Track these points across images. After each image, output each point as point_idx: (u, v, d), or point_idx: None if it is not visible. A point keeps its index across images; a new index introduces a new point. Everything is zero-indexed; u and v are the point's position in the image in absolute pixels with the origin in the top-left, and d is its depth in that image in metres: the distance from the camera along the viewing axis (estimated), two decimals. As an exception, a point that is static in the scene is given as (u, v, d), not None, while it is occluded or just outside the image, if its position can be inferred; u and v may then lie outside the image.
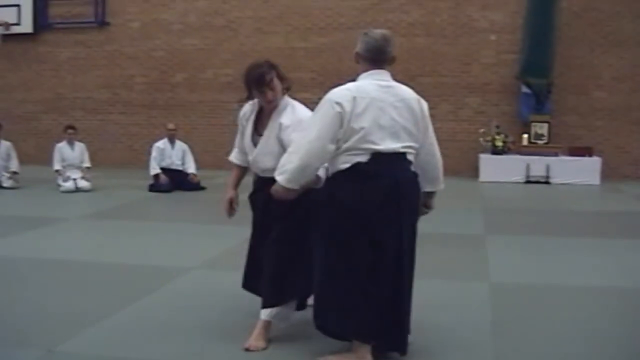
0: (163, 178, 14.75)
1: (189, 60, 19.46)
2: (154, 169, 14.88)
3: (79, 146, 15.23)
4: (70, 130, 15.22)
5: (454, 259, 8.41)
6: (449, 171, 17.15)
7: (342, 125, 4.87)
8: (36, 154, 19.18)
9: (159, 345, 5.40)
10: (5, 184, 15.03)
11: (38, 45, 20.62)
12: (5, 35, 20.47)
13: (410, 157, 5.05)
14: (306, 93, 17.66)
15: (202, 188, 14.83)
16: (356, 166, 4.90)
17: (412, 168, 5.10)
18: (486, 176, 16.99)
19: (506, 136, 17.22)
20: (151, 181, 14.90)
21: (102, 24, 20.15)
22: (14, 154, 15.45)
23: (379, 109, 4.91)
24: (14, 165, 15.36)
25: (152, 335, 5.60)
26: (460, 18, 18.27)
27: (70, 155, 15.02)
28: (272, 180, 5.10)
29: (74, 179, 14.66)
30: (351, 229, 4.88)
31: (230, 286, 6.93)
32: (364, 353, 4.99)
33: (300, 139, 4.99)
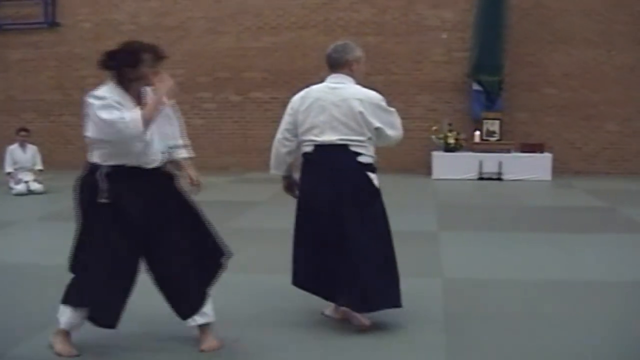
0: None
1: (141, 60, 19.33)
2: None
3: (31, 148, 15.11)
4: (22, 133, 15.11)
5: (407, 256, 8.40)
6: (401, 169, 17.18)
7: (294, 119, 6.03)
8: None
9: (112, 350, 5.39)
10: (-45, 187, 14.93)
11: (-13, 46, 20.46)
12: (-47, 37, 20.26)
13: (355, 148, 5.83)
14: (258, 92, 17.97)
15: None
16: (305, 155, 6.00)
17: (363, 158, 5.87)
18: (439, 173, 17.10)
19: (458, 133, 17.37)
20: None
21: (52, 24, 19.99)
22: (-36, 157, 15.35)
23: (320, 107, 5.88)
24: (-35, 168, 15.27)
25: (106, 340, 5.54)
26: (410, 16, 18.39)
27: (22, 157, 14.90)
28: (160, 170, 5.33)
29: (26, 182, 14.57)
30: (301, 205, 6.02)
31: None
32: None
33: None
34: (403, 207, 11.70)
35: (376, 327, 5.72)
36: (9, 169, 14.77)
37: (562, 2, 17.74)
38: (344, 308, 5.96)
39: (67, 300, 5.28)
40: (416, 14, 18.37)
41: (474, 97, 17.78)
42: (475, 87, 17.66)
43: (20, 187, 14.45)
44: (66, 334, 5.27)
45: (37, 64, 20.13)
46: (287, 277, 6.07)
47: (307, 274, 5.98)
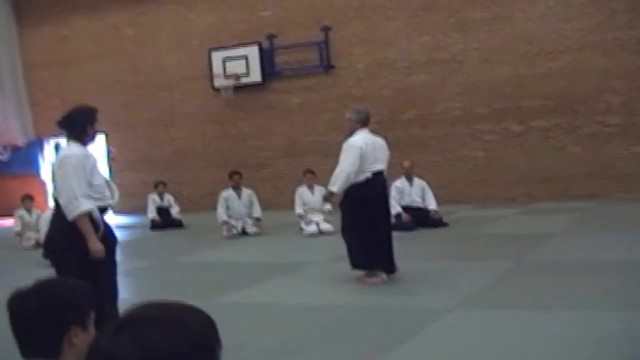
0: (405, 216, 14.77)
1: (417, 96, 19.53)
2: (395, 208, 14.89)
3: (319, 189, 15.51)
4: (309, 175, 15.61)
5: None
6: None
7: (362, 158, 9.28)
8: (273, 199, 19.68)
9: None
10: (249, 231, 15.62)
11: (268, 93, 21.36)
12: (236, 87, 21.39)
13: (384, 173, 9.72)
14: (541, 120, 17.71)
15: (445, 224, 14.71)
16: (365, 180, 9.39)
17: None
18: None
19: None
20: (394, 220, 14.89)
21: (327, 67, 20.65)
22: (256, 201, 16.04)
23: (374, 149, 9.49)
24: (257, 211, 15.94)
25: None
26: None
27: (310, 198, 15.35)
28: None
29: (316, 222, 14.98)
30: (364, 209, 9.33)
31: (493, 327, 6.87)
32: (379, 273, 9.47)
33: (340, 166, 9.42)
34: None
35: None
36: (299, 210, 15.24)
37: None
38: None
39: None
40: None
41: None
42: None
43: (312, 228, 14.86)
44: None
45: (315, 107, 20.83)
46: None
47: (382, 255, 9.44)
